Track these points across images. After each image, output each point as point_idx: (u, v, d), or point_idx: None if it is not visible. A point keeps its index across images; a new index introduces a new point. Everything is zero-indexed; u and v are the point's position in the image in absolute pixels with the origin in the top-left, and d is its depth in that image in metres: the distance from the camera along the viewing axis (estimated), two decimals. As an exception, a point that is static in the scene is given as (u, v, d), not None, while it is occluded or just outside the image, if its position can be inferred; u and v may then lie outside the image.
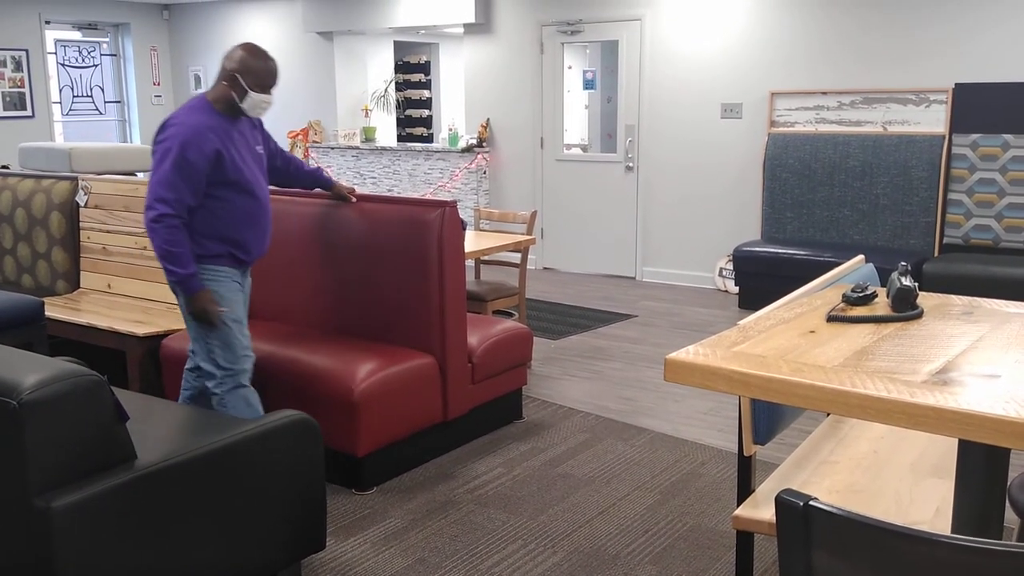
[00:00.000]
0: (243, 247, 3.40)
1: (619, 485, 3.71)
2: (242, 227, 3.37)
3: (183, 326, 4.22)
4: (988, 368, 1.87)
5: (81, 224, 5.08)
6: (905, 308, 2.31)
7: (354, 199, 3.98)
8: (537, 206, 8.51)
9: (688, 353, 1.97)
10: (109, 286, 4.94)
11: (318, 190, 3.99)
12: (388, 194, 7.81)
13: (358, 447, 3.54)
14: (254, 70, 3.30)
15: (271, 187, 3.64)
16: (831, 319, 2.27)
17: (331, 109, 10.11)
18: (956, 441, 1.90)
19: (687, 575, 3.02)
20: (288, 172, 3.80)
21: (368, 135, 9.99)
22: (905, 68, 6.59)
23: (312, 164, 9.95)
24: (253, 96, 3.30)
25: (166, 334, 4.17)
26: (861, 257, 3.17)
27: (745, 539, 2.51)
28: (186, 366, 3.65)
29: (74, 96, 11.14)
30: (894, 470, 2.54)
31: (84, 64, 11.21)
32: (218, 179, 3.26)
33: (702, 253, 7.68)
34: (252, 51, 3.34)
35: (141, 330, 4.16)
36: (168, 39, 11.62)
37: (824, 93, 6.90)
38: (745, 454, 2.45)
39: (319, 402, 3.56)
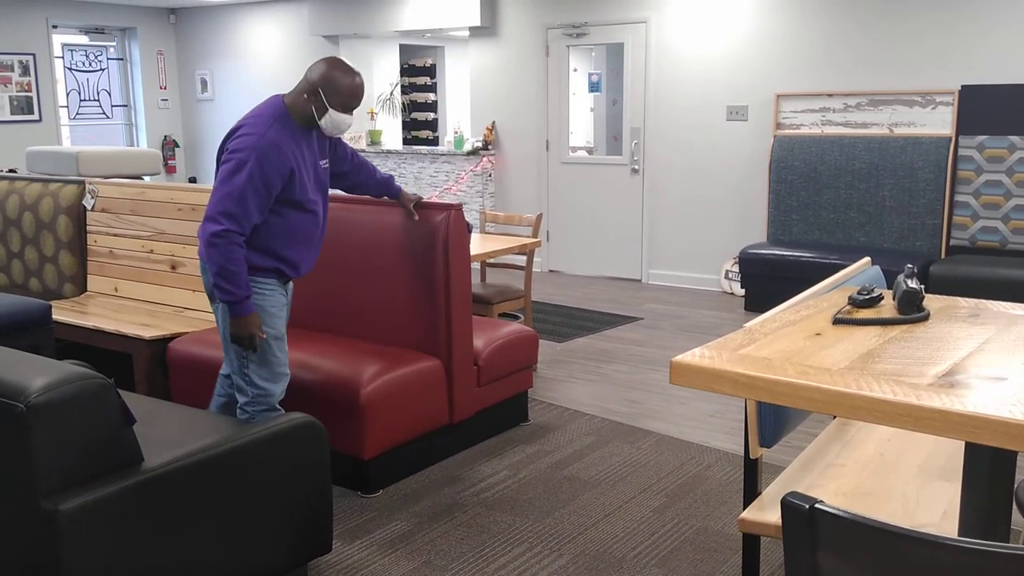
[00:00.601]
0: (292, 264, 3.24)
1: (625, 488, 3.70)
2: (295, 244, 3.21)
3: (189, 329, 4.24)
4: (995, 370, 1.87)
5: (88, 228, 5.09)
6: (911, 310, 2.31)
7: (416, 217, 3.80)
8: (543, 209, 8.51)
9: (694, 356, 1.97)
10: (116, 289, 4.95)
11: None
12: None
13: (364, 450, 3.54)
14: (339, 88, 3.10)
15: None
16: (837, 322, 2.26)
17: (337, 112, 10.11)
18: (963, 443, 1.90)
19: (693, 578, 3.01)
20: (357, 179, 3.63)
21: (374, 138, 10.01)
22: (911, 70, 6.58)
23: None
24: (333, 115, 3.13)
25: (173, 337, 4.18)
26: (867, 259, 3.17)
27: (751, 542, 2.51)
28: (221, 371, 3.52)
29: (81, 100, 11.18)
30: (901, 472, 2.53)
31: (91, 68, 11.25)
32: (282, 197, 3.11)
33: (708, 255, 7.67)
34: (339, 66, 3.13)
35: (148, 333, 4.17)
36: (175, 43, 11.66)
37: (830, 95, 6.89)
38: (751, 457, 2.45)
39: (325, 404, 3.56)
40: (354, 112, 3.22)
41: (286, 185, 3.09)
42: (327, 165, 3.35)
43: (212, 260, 3.02)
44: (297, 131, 3.14)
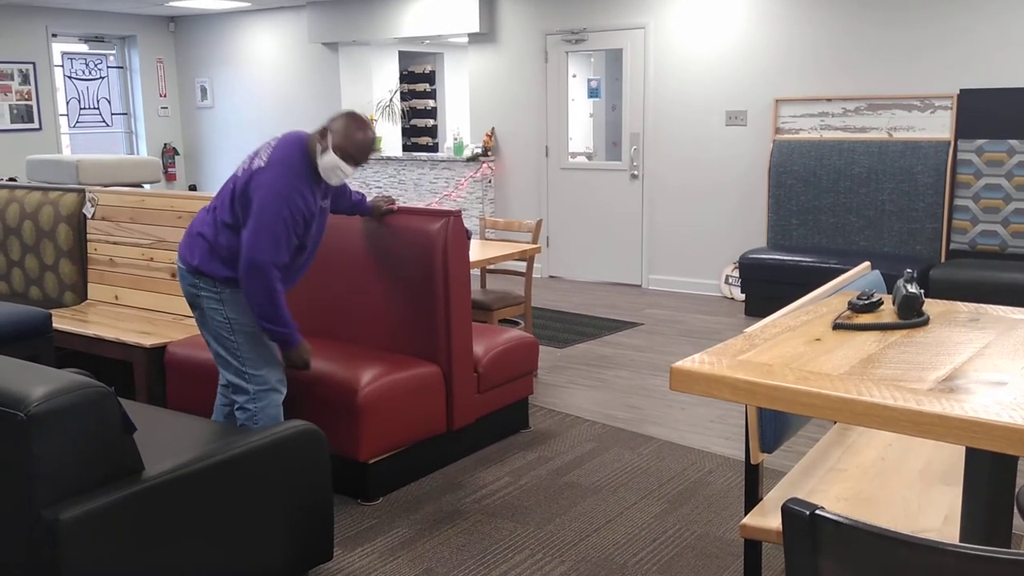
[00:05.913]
0: None
1: (626, 494, 3.70)
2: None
3: (188, 335, 4.23)
4: (995, 375, 1.87)
5: (88, 236, 5.10)
6: (911, 315, 2.31)
7: (395, 208, 3.92)
8: (542, 215, 8.51)
9: (694, 362, 1.97)
10: (116, 297, 4.96)
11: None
12: (394, 204, 7.78)
13: (361, 451, 3.54)
14: (347, 134, 3.20)
15: None
16: (837, 327, 2.26)
17: (336, 119, 10.12)
18: (964, 448, 1.90)
19: (695, 584, 3.01)
20: (339, 206, 3.76)
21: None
22: (910, 74, 6.59)
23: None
24: (331, 157, 3.18)
25: (173, 345, 4.18)
26: (867, 264, 3.17)
27: (753, 548, 2.51)
28: (220, 382, 3.56)
29: (81, 108, 11.19)
30: (902, 477, 2.53)
31: (91, 76, 11.26)
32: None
33: (708, 260, 7.67)
34: (355, 118, 3.26)
35: (148, 341, 4.17)
36: (174, 51, 11.67)
37: (829, 100, 6.90)
38: (752, 462, 2.45)
39: (323, 407, 3.56)
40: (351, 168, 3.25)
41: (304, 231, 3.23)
42: (327, 205, 3.43)
43: (253, 294, 3.13)
44: (314, 175, 3.23)
